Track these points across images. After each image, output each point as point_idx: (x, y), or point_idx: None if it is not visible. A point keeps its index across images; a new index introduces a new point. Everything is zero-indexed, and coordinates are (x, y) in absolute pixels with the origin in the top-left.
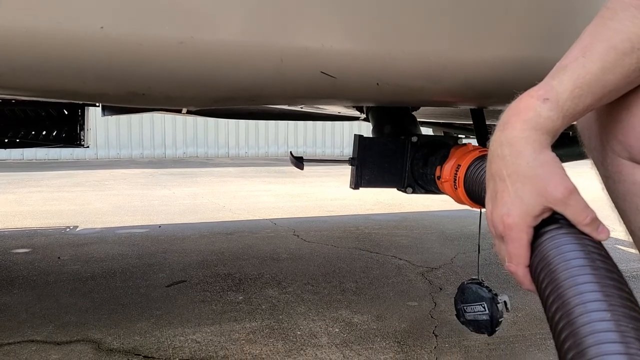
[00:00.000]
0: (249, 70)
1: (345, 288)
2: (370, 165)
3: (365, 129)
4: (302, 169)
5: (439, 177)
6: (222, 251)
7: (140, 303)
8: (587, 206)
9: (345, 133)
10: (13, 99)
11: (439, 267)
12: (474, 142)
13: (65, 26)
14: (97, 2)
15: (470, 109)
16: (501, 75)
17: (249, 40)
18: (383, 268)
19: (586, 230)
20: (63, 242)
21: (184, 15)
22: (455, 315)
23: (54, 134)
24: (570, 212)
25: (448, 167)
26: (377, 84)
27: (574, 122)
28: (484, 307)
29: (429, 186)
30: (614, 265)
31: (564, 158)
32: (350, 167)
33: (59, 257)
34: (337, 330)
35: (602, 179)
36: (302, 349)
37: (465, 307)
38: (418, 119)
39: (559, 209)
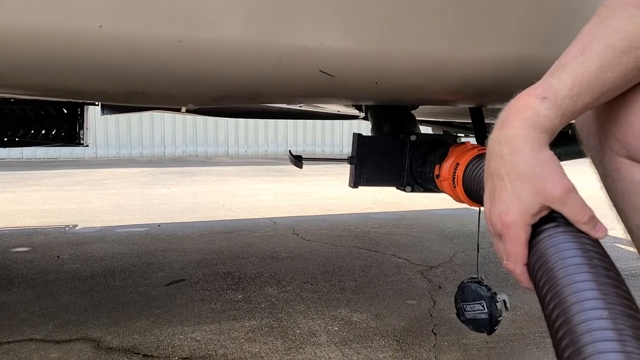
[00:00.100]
0: (248, 68)
1: (344, 287)
2: (369, 163)
3: (365, 127)
4: (301, 167)
5: (437, 176)
6: (221, 250)
7: (140, 302)
8: (584, 204)
9: (345, 132)
10: (12, 98)
11: (438, 265)
12: (473, 140)
13: (64, 25)
14: (96, 1)
15: (469, 108)
16: (500, 74)
17: (248, 38)
18: (382, 267)
19: (584, 228)
20: (62, 241)
21: (183, 14)
22: (456, 314)
23: (53, 132)
24: (568, 211)
25: (447, 166)
26: (376, 82)
27: (573, 121)
28: (483, 306)
29: (428, 185)
30: (612, 264)
31: (562, 156)
32: (350, 165)
33: (58, 256)
34: (336, 328)
35: (601, 177)
36: (301, 347)
37: (464, 306)
38: (418, 118)
39: (557, 207)
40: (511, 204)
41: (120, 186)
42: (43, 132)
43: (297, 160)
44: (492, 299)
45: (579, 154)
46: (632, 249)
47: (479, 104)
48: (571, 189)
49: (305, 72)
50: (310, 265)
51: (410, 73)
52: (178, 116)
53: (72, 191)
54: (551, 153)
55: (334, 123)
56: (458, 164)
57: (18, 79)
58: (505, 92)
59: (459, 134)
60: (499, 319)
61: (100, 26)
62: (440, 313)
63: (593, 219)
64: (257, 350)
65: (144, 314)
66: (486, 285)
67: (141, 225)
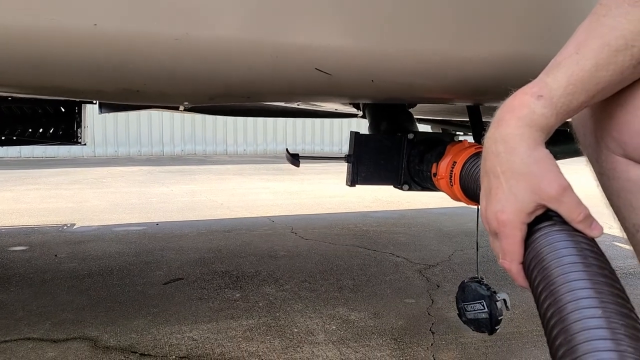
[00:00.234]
0: (244, 66)
1: (342, 285)
2: (367, 162)
3: (364, 126)
4: (298, 166)
5: (435, 174)
6: (219, 249)
7: (137, 301)
8: (580, 203)
9: (344, 130)
10: (10, 97)
11: (437, 264)
12: (471, 139)
13: (59, 24)
14: None
15: (467, 106)
16: (496, 72)
17: (244, 37)
18: (381, 265)
19: (579, 227)
20: (60, 239)
21: (179, 11)
22: (457, 314)
23: (50, 131)
24: (563, 209)
25: (444, 164)
26: (372, 80)
27: (569, 119)
28: (483, 305)
29: (425, 183)
30: (607, 262)
31: (560, 155)
32: (347, 164)
33: (56, 255)
34: (334, 327)
35: (597, 176)
36: (298, 346)
37: (465, 306)
38: (416, 116)
39: (553, 205)
40: (507, 202)
41: (118, 185)
42: (41, 130)
43: (294, 159)
44: (491, 298)
45: (577, 153)
46: (631, 248)
47: (476, 102)
48: (567, 188)
49: (301, 70)
50: (308, 264)
51: (407, 71)
52: (177, 114)
53: (70, 190)
54: (547, 151)
55: (333, 121)
56: (455, 162)
57: (13, 77)
58: (502, 91)
59: (457, 132)
60: (499, 318)
61: (95, 24)
62: (439, 312)
63: (588, 218)
64: (254, 349)
65: (142, 313)
66: (486, 285)
67: (139, 224)
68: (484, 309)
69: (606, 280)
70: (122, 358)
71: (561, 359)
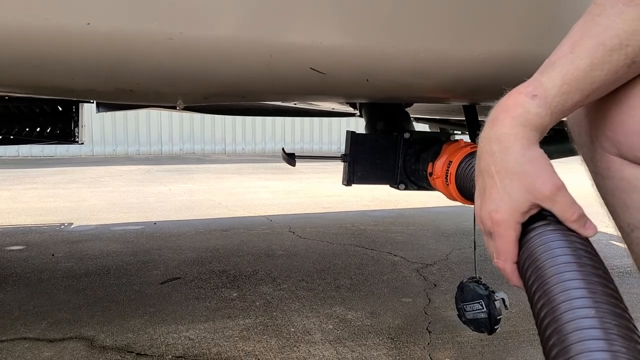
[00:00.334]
0: (238, 66)
1: (339, 284)
2: (363, 161)
3: (363, 125)
4: (294, 165)
5: (430, 174)
6: (217, 248)
7: (134, 300)
8: (574, 203)
9: (342, 129)
10: (7, 96)
11: (434, 263)
12: (468, 138)
13: (51, 23)
14: None
15: (463, 105)
16: (492, 72)
17: (238, 36)
18: (378, 264)
19: (573, 226)
20: (57, 239)
21: (172, 10)
22: (457, 315)
23: (48, 130)
24: (557, 209)
25: (440, 164)
26: (367, 80)
27: (564, 119)
28: (481, 305)
29: (421, 182)
30: (601, 262)
31: (555, 154)
32: (343, 163)
33: (53, 255)
34: (330, 326)
35: (592, 175)
36: (295, 345)
37: (465, 306)
38: (414, 115)
39: (547, 205)
40: (501, 201)
41: (116, 184)
42: (38, 129)
43: (290, 158)
44: (490, 298)
45: (572, 152)
46: (626, 247)
47: (472, 102)
48: (561, 187)
49: (295, 69)
50: (306, 263)
51: (402, 71)
52: (175, 113)
53: (68, 189)
54: (541, 151)
55: (332, 121)
56: (451, 161)
57: (4, 76)
58: (498, 90)
59: (455, 132)
60: (498, 317)
61: (88, 23)
62: (435, 311)
63: (582, 217)
64: (251, 348)
65: (139, 313)
66: (484, 284)
67: (137, 223)
68: (483, 308)
69: (600, 280)
70: (119, 358)
71: (554, 358)
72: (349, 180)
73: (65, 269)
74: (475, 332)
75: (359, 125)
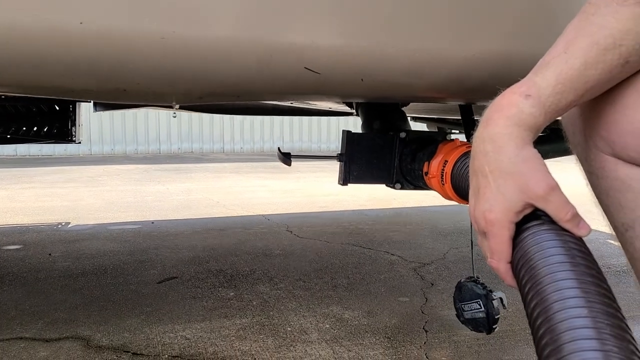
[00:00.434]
0: (233, 66)
1: (336, 284)
2: (359, 160)
3: (361, 125)
4: (289, 165)
5: (426, 173)
6: (214, 247)
7: (131, 300)
8: (568, 202)
9: (340, 129)
10: (3, 95)
11: (431, 262)
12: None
13: (44, 22)
14: None
15: (459, 105)
16: (487, 71)
17: (232, 35)
18: (375, 264)
19: (567, 226)
20: (54, 238)
21: (165, 10)
22: (456, 315)
23: (45, 129)
24: (551, 208)
25: (435, 163)
26: (362, 79)
27: (558, 118)
28: (479, 305)
29: (417, 182)
30: (594, 262)
31: (551, 154)
32: (339, 163)
33: (50, 254)
34: (327, 326)
35: (586, 175)
36: (292, 345)
37: (463, 306)
38: (412, 115)
39: (540, 205)
40: (495, 201)
41: (114, 183)
42: (35, 129)
43: (286, 158)
44: (487, 297)
45: (567, 152)
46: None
47: (468, 102)
48: (554, 187)
49: (290, 69)
50: (303, 263)
51: (397, 70)
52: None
53: (66, 188)
54: (535, 151)
55: (330, 120)
56: (446, 161)
57: (1, 76)
58: (493, 90)
59: (453, 131)
60: (496, 317)
61: (81, 23)
62: (432, 310)
63: (576, 217)
64: (247, 348)
65: (135, 312)
66: (482, 284)
67: (134, 223)
68: (481, 308)
69: (593, 279)
70: (115, 357)
71: (547, 358)
72: (345, 179)
73: (62, 268)
74: (473, 332)
75: (357, 124)
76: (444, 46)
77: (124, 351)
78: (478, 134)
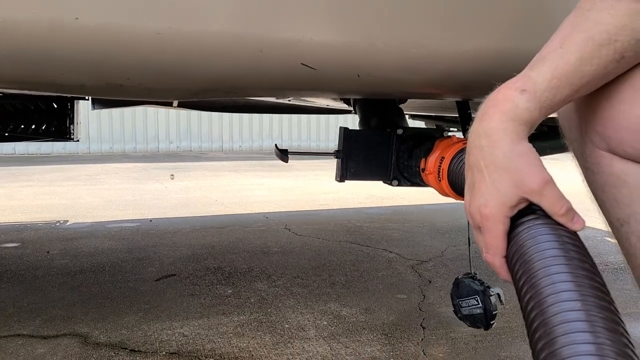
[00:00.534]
0: (228, 61)
1: (334, 281)
2: (356, 157)
3: (358, 122)
4: (286, 161)
5: (423, 170)
6: (212, 245)
7: (129, 297)
8: (562, 197)
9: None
10: (1, 92)
11: (429, 260)
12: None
13: (40, 17)
14: None
15: (456, 101)
16: (483, 67)
17: (228, 31)
18: (373, 261)
19: (561, 220)
20: (53, 236)
21: (160, 5)
22: (453, 311)
23: (43, 127)
24: (545, 203)
25: (432, 160)
26: (358, 75)
27: (554, 114)
28: (477, 301)
29: (414, 178)
30: (588, 256)
31: (549, 150)
32: (336, 159)
33: (48, 252)
34: (325, 323)
35: (582, 170)
36: (289, 341)
37: (460, 302)
38: (411, 113)
39: (535, 199)
40: (490, 196)
41: (112, 181)
42: (33, 127)
43: (283, 155)
44: (485, 293)
45: (565, 148)
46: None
47: (465, 98)
48: (549, 181)
49: (286, 64)
50: (301, 260)
51: (392, 66)
52: (172, 111)
53: (64, 187)
54: (530, 145)
55: (329, 118)
56: (443, 157)
57: None
58: (489, 86)
59: (452, 129)
60: (494, 313)
61: (77, 18)
62: (430, 307)
63: (570, 211)
64: (245, 345)
65: (133, 309)
66: (479, 280)
67: (132, 221)
68: (479, 304)
69: (586, 273)
70: (112, 354)
71: (540, 351)
72: (342, 176)
73: (60, 266)
74: (470, 328)
75: (356, 123)
76: (440, 42)
77: (122, 348)
78: (473, 129)
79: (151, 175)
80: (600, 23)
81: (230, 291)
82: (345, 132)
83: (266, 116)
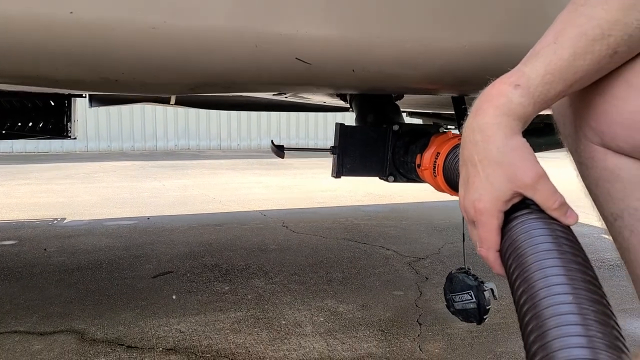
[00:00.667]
0: (223, 56)
1: (331, 278)
2: (352, 153)
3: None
4: (282, 157)
5: (419, 165)
6: (210, 242)
7: (126, 294)
8: (555, 191)
9: None
10: None
11: (426, 257)
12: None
13: (34, 11)
14: None
15: (452, 97)
16: (479, 62)
17: (223, 26)
18: (370, 258)
19: (555, 214)
20: (50, 234)
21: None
22: (446, 305)
23: (40, 125)
24: (539, 197)
25: (428, 155)
26: (353, 70)
27: (548, 109)
28: (470, 296)
29: (410, 174)
30: (581, 250)
31: (544, 147)
32: (332, 155)
33: (45, 249)
34: (321, 319)
35: (576, 165)
36: (286, 338)
37: (454, 297)
38: (407, 109)
39: (529, 193)
40: (484, 190)
41: (110, 179)
42: (30, 124)
43: (279, 150)
44: (479, 288)
45: (561, 144)
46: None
47: (461, 93)
48: (542, 176)
49: (281, 59)
50: (298, 257)
51: (388, 61)
52: (170, 109)
53: (62, 185)
54: (523, 140)
55: (327, 116)
56: (439, 153)
57: None
58: (485, 81)
59: (449, 126)
60: (487, 308)
61: (71, 12)
62: (426, 303)
63: (564, 206)
64: (241, 341)
65: (130, 306)
66: (473, 275)
67: (130, 219)
68: (472, 299)
69: (579, 267)
70: (109, 350)
71: (532, 344)
72: (338, 172)
73: (57, 263)
74: (465, 324)
75: (354, 121)
76: (435, 36)
77: (118, 344)
78: (468, 123)
79: (149, 173)
80: (593, 18)
81: (227, 288)
82: (341, 128)
83: (264, 114)
